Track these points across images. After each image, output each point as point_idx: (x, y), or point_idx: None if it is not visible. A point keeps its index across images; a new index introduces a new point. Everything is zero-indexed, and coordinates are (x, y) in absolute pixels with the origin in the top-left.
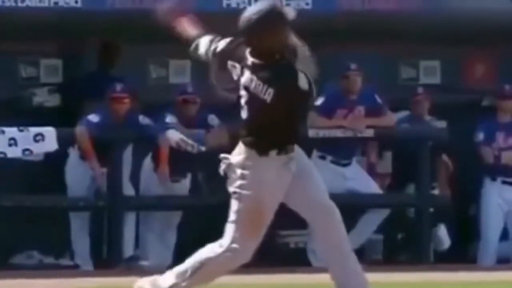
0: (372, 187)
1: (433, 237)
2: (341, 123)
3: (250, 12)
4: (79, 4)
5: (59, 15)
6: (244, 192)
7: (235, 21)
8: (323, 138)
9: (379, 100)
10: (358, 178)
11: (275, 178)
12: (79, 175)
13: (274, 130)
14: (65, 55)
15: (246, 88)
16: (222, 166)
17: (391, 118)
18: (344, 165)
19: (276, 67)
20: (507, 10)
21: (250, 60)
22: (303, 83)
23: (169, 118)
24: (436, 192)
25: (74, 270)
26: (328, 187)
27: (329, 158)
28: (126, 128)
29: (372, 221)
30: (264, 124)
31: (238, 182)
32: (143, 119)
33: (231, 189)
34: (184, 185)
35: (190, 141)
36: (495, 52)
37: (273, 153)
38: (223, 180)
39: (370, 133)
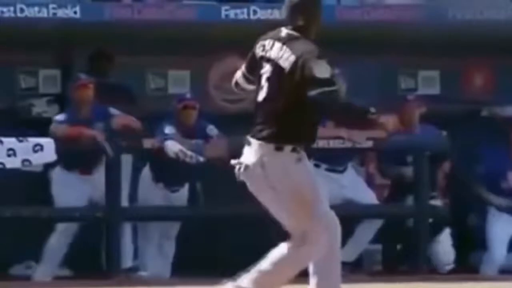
0: (369, 196)
1: (436, 252)
2: (339, 134)
3: None
4: (78, 15)
5: (58, 25)
6: (276, 187)
7: (233, 31)
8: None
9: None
10: (355, 186)
11: (296, 163)
12: (68, 190)
13: (290, 115)
14: (64, 65)
15: (272, 61)
16: (238, 170)
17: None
18: (340, 172)
19: (307, 41)
20: (506, 20)
21: (285, 32)
22: (322, 70)
23: (168, 129)
24: (436, 202)
25: (73, 280)
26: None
27: (323, 166)
28: (95, 120)
29: (368, 229)
30: (280, 105)
31: (264, 182)
32: (114, 111)
33: (261, 189)
34: (182, 195)
35: (189, 152)
36: (494, 63)
37: (288, 148)
38: (222, 190)
39: (368, 144)
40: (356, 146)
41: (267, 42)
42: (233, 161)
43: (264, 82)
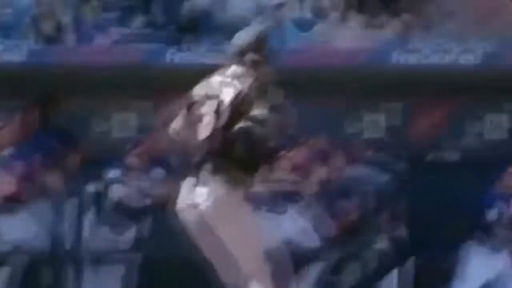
0: (313, 237)
1: None
2: (286, 177)
3: (253, 30)
4: (24, 58)
5: (4, 69)
6: (223, 226)
7: (178, 76)
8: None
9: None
10: (297, 228)
11: (243, 202)
12: None
13: (236, 151)
14: (11, 109)
15: (217, 96)
16: (183, 211)
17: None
18: (281, 213)
19: (254, 79)
20: (451, 65)
21: (233, 69)
22: (261, 109)
23: (113, 173)
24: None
25: None
26: (264, 238)
27: (264, 207)
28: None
29: (311, 272)
30: (225, 140)
31: (226, 227)
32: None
33: (221, 237)
34: (128, 238)
35: (134, 196)
36: (440, 107)
37: (235, 186)
38: (168, 233)
39: (311, 186)
40: (300, 189)
41: (213, 80)
42: (179, 202)
43: (208, 118)
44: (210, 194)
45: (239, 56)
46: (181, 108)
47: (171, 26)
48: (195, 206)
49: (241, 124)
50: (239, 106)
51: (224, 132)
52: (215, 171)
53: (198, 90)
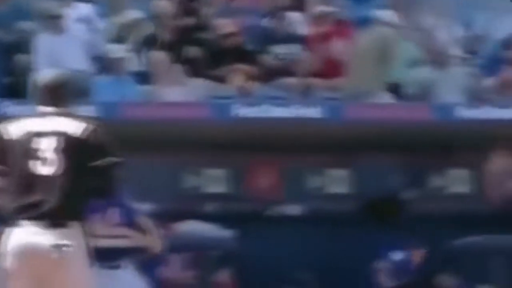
0: None
1: None
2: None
3: (61, 75)
4: None
5: None
6: (84, 279)
7: None
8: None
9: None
10: (132, 283)
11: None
12: None
13: (86, 188)
14: None
15: (58, 132)
16: (61, 253)
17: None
18: (113, 268)
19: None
20: (294, 118)
21: (53, 110)
22: (110, 141)
23: None
24: None
25: None
26: None
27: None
28: None
29: None
30: (75, 176)
31: (80, 270)
32: None
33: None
34: None
35: None
36: (281, 160)
37: (85, 226)
38: None
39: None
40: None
41: (33, 121)
42: (58, 243)
43: (49, 155)
44: (74, 236)
45: (55, 98)
46: None
47: (3, 79)
48: (60, 246)
49: (103, 157)
50: (90, 139)
51: (83, 166)
52: (54, 210)
53: (14, 130)
